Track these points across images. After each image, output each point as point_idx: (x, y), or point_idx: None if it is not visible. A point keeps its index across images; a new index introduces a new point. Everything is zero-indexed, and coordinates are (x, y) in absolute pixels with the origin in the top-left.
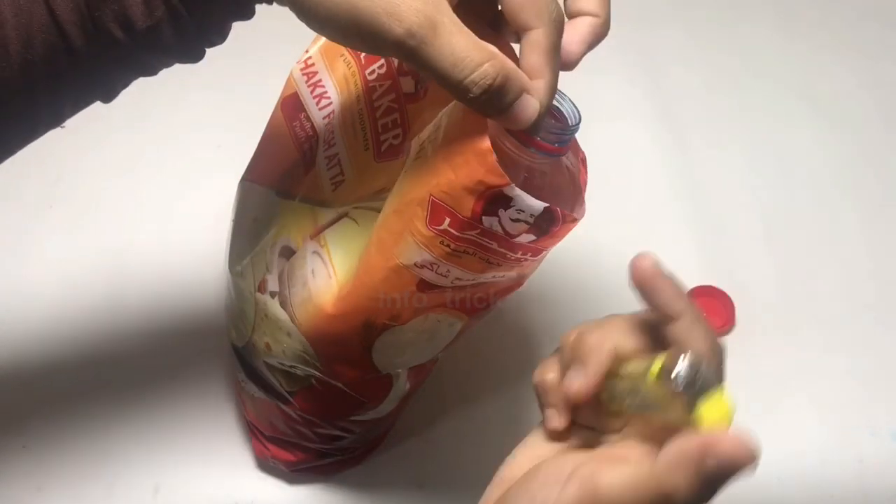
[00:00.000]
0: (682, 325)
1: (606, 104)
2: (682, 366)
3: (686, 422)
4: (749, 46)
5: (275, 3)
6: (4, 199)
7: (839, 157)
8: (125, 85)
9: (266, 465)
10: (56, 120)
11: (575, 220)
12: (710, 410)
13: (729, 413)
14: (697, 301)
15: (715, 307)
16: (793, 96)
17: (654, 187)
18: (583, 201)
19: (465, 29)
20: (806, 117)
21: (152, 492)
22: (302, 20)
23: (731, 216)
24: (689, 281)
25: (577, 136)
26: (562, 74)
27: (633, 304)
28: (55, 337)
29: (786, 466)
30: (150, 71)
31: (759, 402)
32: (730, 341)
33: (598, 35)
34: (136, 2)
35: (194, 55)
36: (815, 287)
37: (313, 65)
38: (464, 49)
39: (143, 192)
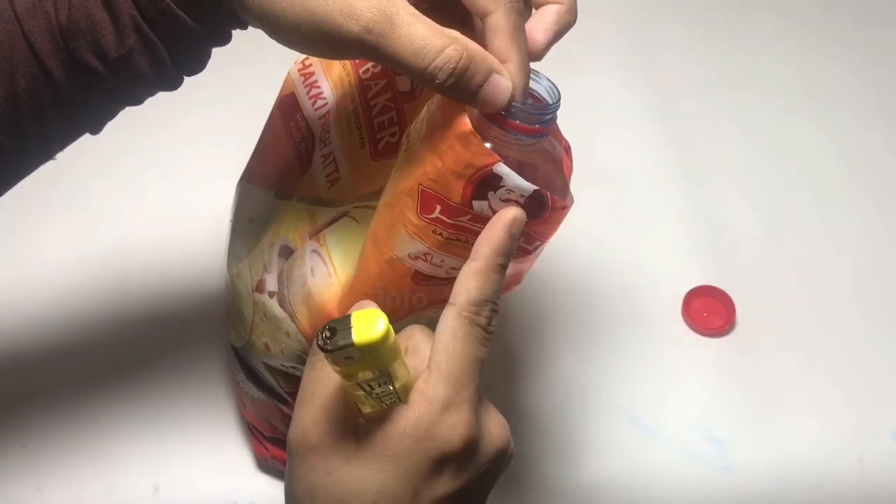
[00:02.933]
0: None
1: (606, 104)
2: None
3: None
4: (749, 46)
5: (249, 28)
6: (4, 199)
7: (839, 156)
8: (112, 115)
9: (266, 465)
10: (45, 155)
11: (565, 208)
12: (359, 329)
13: (370, 319)
14: (697, 301)
15: (715, 307)
16: (793, 96)
17: (654, 187)
18: (568, 188)
19: (423, 17)
20: (806, 117)
21: (152, 492)
22: (273, 38)
23: (731, 216)
24: (689, 281)
25: (578, 134)
26: (560, 73)
27: (631, 303)
28: (55, 337)
29: (786, 466)
30: (133, 100)
31: (760, 402)
32: (730, 341)
33: (564, 23)
34: (109, 31)
35: (171, 83)
36: (815, 287)
37: (310, 65)
38: (423, 37)
39: (143, 192)
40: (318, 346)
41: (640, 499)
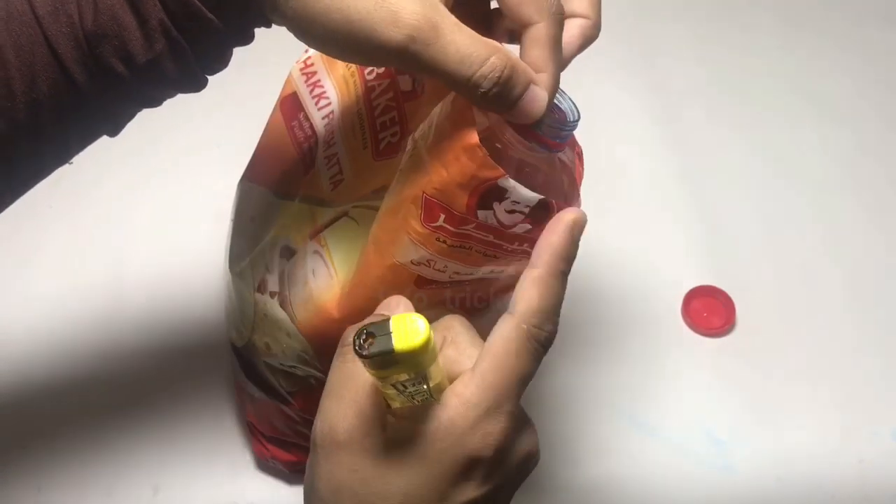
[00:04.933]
0: None
1: (607, 104)
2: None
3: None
4: (749, 46)
5: (273, 26)
6: None
7: (839, 156)
8: (130, 118)
9: (266, 465)
10: (62, 158)
11: None
12: (399, 335)
13: (410, 324)
14: (697, 301)
15: (715, 307)
16: (793, 96)
17: (654, 187)
18: (578, 195)
19: (466, 27)
20: (806, 117)
21: (152, 492)
22: (301, 40)
23: (731, 216)
24: (689, 281)
25: (578, 135)
26: (560, 74)
27: (631, 303)
28: (55, 337)
29: (786, 466)
30: (154, 102)
31: (759, 402)
32: (730, 341)
33: (589, 37)
34: (136, 36)
35: (197, 84)
36: (815, 287)
37: (312, 65)
38: (468, 45)
39: (143, 192)
40: (355, 351)
41: (639, 499)
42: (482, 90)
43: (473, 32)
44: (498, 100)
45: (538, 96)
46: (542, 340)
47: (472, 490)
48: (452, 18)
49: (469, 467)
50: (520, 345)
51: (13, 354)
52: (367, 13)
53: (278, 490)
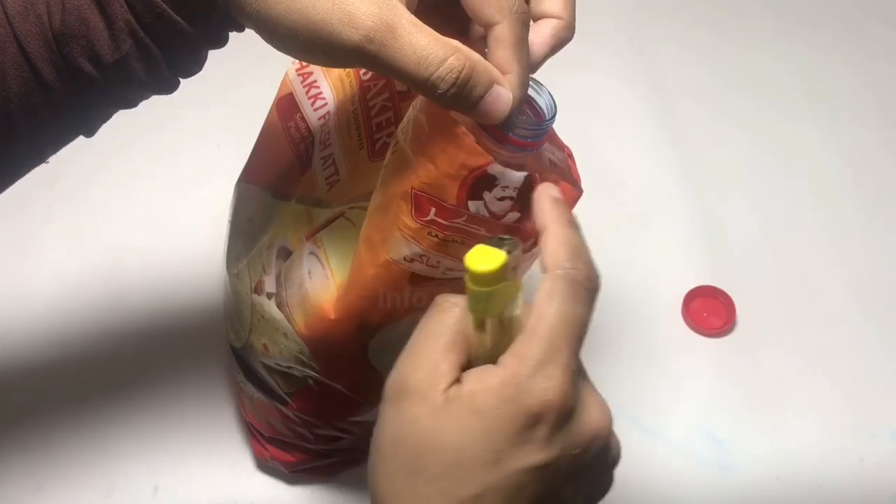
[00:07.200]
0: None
1: (606, 104)
2: None
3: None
4: (749, 46)
5: (246, 29)
6: (3, 197)
7: (839, 156)
8: (105, 118)
9: (265, 465)
10: (37, 157)
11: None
12: (473, 256)
13: (488, 254)
14: (697, 301)
15: (715, 307)
16: (793, 96)
17: (653, 187)
18: (580, 189)
19: (425, 27)
20: (806, 117)
21: (152, 492)
22: (268, 42)
23: (731, 216)
24: (689, 281)
25: (578, 135)
26: (560, 74)
27: (631, 303)
28: (54, 337)
29: (786, 466)
30: (127, 103)
31: (760, 402)
32: (730, 341)
33: (562, 38)
34: (103, 36)
35: (167, 86)
36: (815, 287)
37: (309, 65)
38: (425, 46)
39: (142, 192)
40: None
41: (640, 499)
42: (439, 91)
43: (433, 33)
44: (457, 100)
45: (502, 97)
46: (580, 279)
47: (531, 454)
48: (411, 18)
49: (526, 425)
50: (557, 289)
51: (12, 355)
52: (325, 13)
53: (278, 490)
